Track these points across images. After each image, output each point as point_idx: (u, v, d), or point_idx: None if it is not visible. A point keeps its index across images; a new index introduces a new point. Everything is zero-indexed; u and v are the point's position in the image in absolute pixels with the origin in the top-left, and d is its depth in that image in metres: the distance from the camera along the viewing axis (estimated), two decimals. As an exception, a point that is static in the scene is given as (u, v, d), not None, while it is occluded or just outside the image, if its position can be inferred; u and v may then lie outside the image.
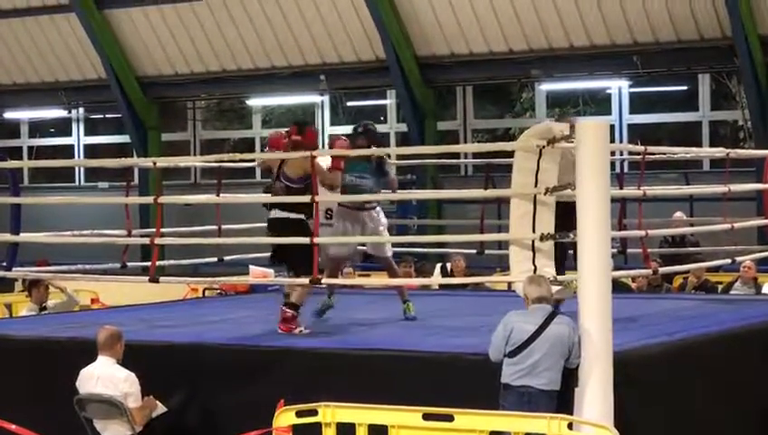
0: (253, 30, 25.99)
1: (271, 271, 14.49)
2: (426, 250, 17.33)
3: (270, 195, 10.83)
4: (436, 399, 8.22)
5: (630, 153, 14.37)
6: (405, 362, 9.29)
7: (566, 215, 9.25)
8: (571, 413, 8.31)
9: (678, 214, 17.06)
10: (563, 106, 25.83)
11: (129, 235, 13.03)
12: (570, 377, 8.59)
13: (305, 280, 10.47)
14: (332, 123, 27.42)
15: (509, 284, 10.93)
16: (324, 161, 10.95)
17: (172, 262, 15.25)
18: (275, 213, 10.67)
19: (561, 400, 8.52)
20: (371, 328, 11.06)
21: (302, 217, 10.50)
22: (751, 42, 21.53)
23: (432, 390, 8.82)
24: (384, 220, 11.54)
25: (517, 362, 8.48)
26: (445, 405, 7.92)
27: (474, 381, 8.84)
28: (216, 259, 14.25)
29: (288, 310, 10.54)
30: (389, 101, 26.88)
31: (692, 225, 16.90)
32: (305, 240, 10.35)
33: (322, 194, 10.61)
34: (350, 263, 15.46)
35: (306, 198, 10.36)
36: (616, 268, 10.38)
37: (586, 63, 23.81)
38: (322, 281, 10.65)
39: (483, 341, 9.43)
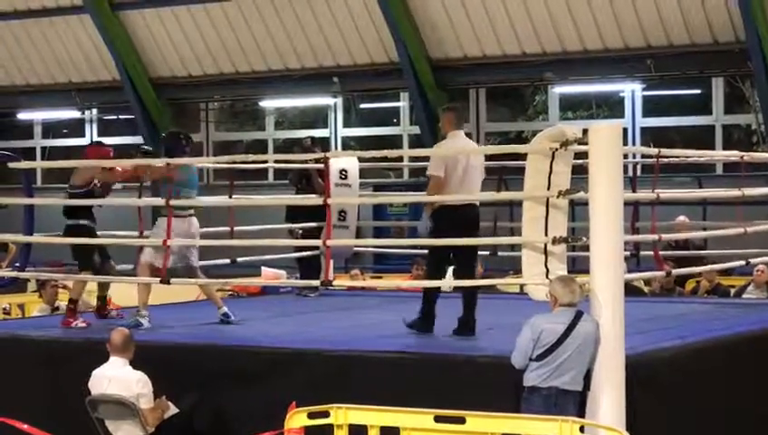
0: (266, 32, 25.99)
1: (282, 272, 14.53)
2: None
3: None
4: (448, 401, 8.21)
5: (643, 156, 14.34)
6: (417, 364, 9.30)
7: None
8: (583, 416, 8.31)
9: (681, 218, 16.98)
10: (576, 109, 25.80)
11: (141, 236, 13.02)
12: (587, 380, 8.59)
13: (317, 282, 10.51)
14: (345, 125, 27.39)
15: (521, 286, 10.91)
16: None
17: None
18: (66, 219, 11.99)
19: (583, 402, 8.52)
20: (383, 330, 11.05)
21: (78, 221, 11.94)
22: (765, 45, 21.47)
23: (444, 392, 8.82)
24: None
25: (547, 364, 8.45)
26: (456, 407, 7.92)
27: (485, 384, 8.83)
28: (228, 261, 14.25)
29: (68, 304, 11.77)
30: (402, 104, 26.85)
31: (705, 229, 16.84)
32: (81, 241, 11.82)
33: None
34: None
35: (89, 202, 11.90)
36: (628, 272, 10.36)
37: (599, 66, 23.76)
38: (333, 283, 10.68)
39: (494, 343, 9.44)
